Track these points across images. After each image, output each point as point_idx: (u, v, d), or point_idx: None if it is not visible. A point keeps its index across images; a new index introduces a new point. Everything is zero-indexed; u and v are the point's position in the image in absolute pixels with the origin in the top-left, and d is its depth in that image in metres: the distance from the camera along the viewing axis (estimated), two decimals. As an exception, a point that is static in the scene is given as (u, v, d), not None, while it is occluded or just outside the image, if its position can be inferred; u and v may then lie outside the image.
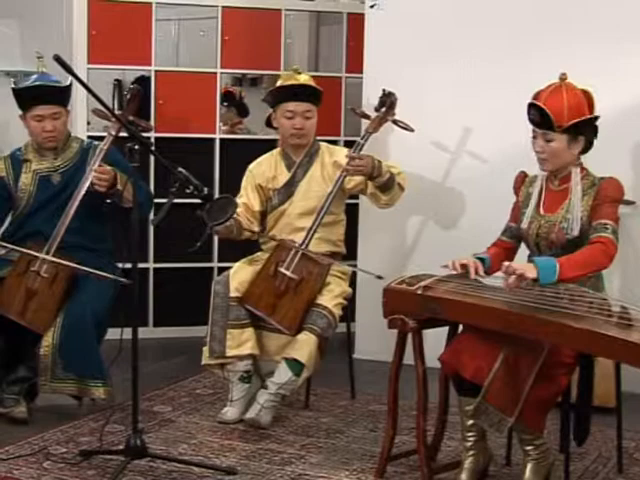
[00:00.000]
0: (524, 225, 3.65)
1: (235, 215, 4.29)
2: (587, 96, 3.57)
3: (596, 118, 3.57)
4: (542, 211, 3.63)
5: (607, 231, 3.47)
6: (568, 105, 3.50)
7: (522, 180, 3.75)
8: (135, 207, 3.65)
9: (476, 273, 3.52)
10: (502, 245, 3.75)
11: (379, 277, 4.10)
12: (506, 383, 3.32)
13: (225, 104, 6.23)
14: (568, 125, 3.50)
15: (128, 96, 4.60)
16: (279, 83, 4.56)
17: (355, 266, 4.95)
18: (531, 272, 3.32)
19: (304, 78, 4.54)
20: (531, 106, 3.54)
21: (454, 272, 3.57)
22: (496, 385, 3.32)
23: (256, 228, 4.50)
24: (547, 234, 3.58)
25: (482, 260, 3.62)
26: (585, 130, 3.55)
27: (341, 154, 4.51)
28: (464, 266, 3.53)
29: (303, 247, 4.32)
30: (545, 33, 4.89)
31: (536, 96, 3.56)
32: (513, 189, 3.78)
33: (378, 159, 4.38)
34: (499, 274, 3.51)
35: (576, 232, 3.52)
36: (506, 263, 3.39)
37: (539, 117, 3.51)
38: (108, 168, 4.29)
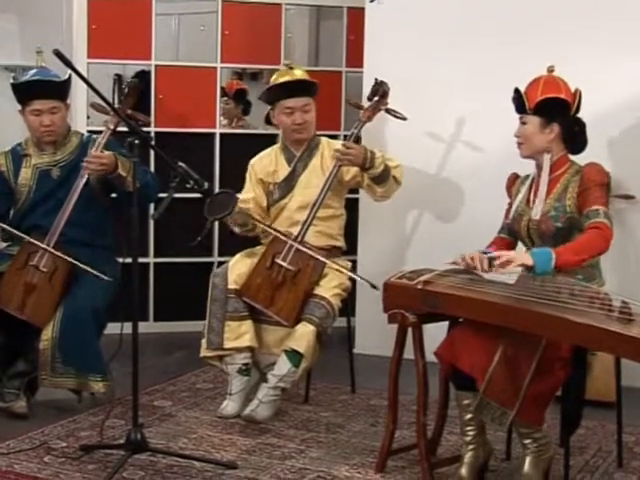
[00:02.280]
0: (513, 218, 3.69)
1: (249, 212, 4.33)
2: (574, 91, 3.65)
3: (565, 101, 3.61)
4: (531, 204, 3.66)
5: (600, 216, 3.51)
6: (542, 88, 3.62)
7: (513, 181, 3.83)
8: (135, 194, 3.63)
9: (482, 269, 3.54)
10: (501, 242, 3.78)
11: (373, 286, 4.04)
12: (506, 377, 3.32)
13: (225, 99, 6.23)
14: (536, 104, 3.59)
15: (126, 90, 4.60)
16: (274, 80, 4.54)
17: (355, 262, 4.96)
18: (527, 260, 3.38)
19: (299, 73, 4.54)
20: (514, 91, 3.67)
21: (461, 267, 3.57)
22: (496, 380, 3.32)
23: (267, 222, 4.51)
24: (537, 225, 3.63)
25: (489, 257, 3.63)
26: (558, 116, 3.61)
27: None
28: (472, 260, 3.55)
29: (299, 239, 4.32)
30: (544, 26, 4.89)
31: None
32: (506, 190, 3.83)
33: (372, 150, 4.38)
34: (503, 271, 3.52)
35: (538, 216, 3.59)
36: (500, 256, 3.43)
37: (517, 100, 3.66)
38: (107, 153, 4.29)
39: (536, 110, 3.60)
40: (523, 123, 3.65)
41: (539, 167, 3.69)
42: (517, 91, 3.65)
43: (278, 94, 4.48)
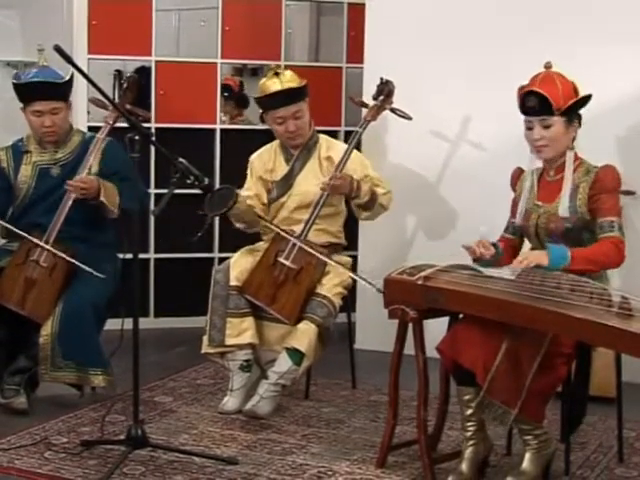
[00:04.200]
0: (520, 217, 3.68)
1: (252, 209, 4.32)
2: (572, 82, 3.62)
3: (589, 97, 3.60)
4: (540, 202, 3.65)
5: (614, 230, 3.50)
6: (562, 88, 3.56)
7: (518, 176, 3.80)
8: (137, 191, 3.66)
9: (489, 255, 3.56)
10: (506, 242, 3.77)
11: (379, 291, 3.91)
12: (508, 377, 3.31)
13: (226, 94, 6.22)
14: (566, 107, 3.54)
15: (125, 84, 4.59)
16: (262, 88, 4.44)
17: (355, 258, 4.96)
18: (543, 261, 3.39)
19: (286, 79, 4.40)
20: (528, 94, 3.57)
21: (468, 259, 3.57)
22: (498, 380, 3.31)
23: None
24: (546, 224, 3.61)
25: (495, 247, 3.63)
26: (576, 114, 3.60)
27: (337, 149, 4.49)
28: (482, 247, 3.55)
29: (301, 238, 4.32)
30: (547, 21, 4.89)
31: (526, 86, 3.60)
32: (510, 185, 3.81)
33: (359, 180, 4.37)
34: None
35: (567, 214, 3.55)
36: (520, 258, 3.44)
37: (538, 103, 3.54)
38: (90, 177, 4.31)
39: (563, 112, 3.55)
40: (547, 126, 3.56)
41: (549, 164, 3.66)
42: (537, 93, 3.55)
43: (268, 104, 4.43)
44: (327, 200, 4.39)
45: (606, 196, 3.54)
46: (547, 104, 3.53)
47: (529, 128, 3.60)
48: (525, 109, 3.59)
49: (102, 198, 4.27)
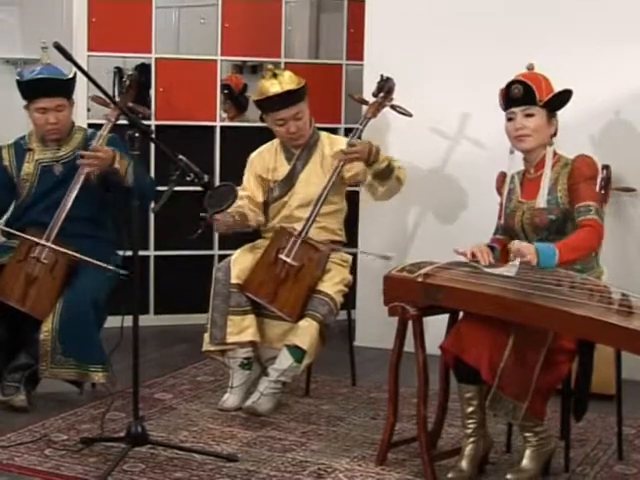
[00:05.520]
0: (507, 215, 3.72)
1: (240, 208, 4.31)
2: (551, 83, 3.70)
3: (570, 92, 3.65)
4: (523, 200, 3.68)
5: (591, 213, 3.53)
6: (544, 83, 3.63)
7: (502, 180, 3.83)
8: (135, 190, 3.65)
9: (487, 262, 3.56)
10: (498, 243, 3.78)
11: (385, 257, 3.99)
12: (516, 371, 3.32)
13: (225, 91, 6.22)
14: (548, 98, 3.60)
15: (127, 82, 4.60)
16: (261, 90, 4.39)
17: (355, 255, 4.95)
18: (534, 258, 3.39)
19: (285, 80, 4.36)
20: (512, 84, 3.64)
21: (464, 258, 3.58)
22: (508, 374, 3.32)
23: (261, 218, 4.49)
24: (530, 219, 3.64)
25: (492, 249, 3.65)
26: (557, 110, 3.66)
27: (341, 144, 4.49)
28: (474, 255, 3.55)
29: (302, 234, 4.32)
30: (544, 21, 4.89)
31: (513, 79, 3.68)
32: (496, 189, 3.84)
33: (377, 145, 4.37)
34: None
35: (546, 204, 3.58)
36: (515, 243, 3.46)
37: (522, 91, 3.61)
38: (106, 148, 4.29)
39: (545, 103, 3.60)
40: (529, 115, 3.61)
41: (529, 162, 3.70)
42: (521, 82, 3.62)
43: (267, 107, 4.40)
44: (329, 197, 4.40)
45: (584, 184, 3.58)
46: (531, 94, 3.59)
47: (510, 119, 3.66)
48: (508, 100, 3.65)
49: (117, 165, 4.22)
